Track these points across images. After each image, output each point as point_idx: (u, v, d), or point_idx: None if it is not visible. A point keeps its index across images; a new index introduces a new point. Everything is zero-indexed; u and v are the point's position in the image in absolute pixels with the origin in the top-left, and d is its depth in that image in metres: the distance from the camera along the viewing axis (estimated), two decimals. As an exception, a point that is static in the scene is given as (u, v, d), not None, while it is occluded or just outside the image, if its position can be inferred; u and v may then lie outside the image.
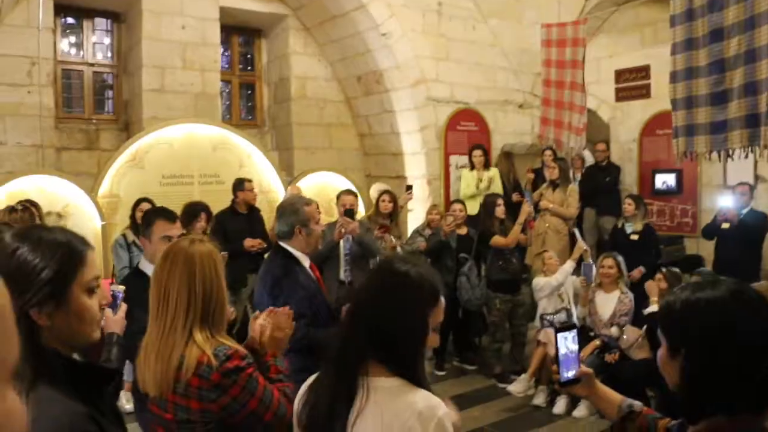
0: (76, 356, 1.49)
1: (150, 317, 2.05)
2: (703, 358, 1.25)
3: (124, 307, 2.47)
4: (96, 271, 1.47)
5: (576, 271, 5.83)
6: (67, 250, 1.40)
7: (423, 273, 1.62)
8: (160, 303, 2.01)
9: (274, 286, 3.19)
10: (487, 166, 7.67)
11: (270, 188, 7.44)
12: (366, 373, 1.56)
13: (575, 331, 1.77)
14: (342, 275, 5.47)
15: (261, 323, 2.28)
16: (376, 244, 5.59)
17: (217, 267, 2.06)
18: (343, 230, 5.02)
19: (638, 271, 6.20)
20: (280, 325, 2.29)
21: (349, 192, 5.73)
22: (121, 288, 2.55)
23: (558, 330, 1.74)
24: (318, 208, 3.53)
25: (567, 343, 1.73)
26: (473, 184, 7.56)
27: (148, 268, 2.85)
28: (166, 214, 3.07)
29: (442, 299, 1.64)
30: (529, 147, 8.86)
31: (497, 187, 7.56)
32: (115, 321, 2.39)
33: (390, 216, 6.16)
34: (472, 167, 7.70)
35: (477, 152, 7.68)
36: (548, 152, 7.80)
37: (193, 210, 5.54)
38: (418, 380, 1.56)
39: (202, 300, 2.00)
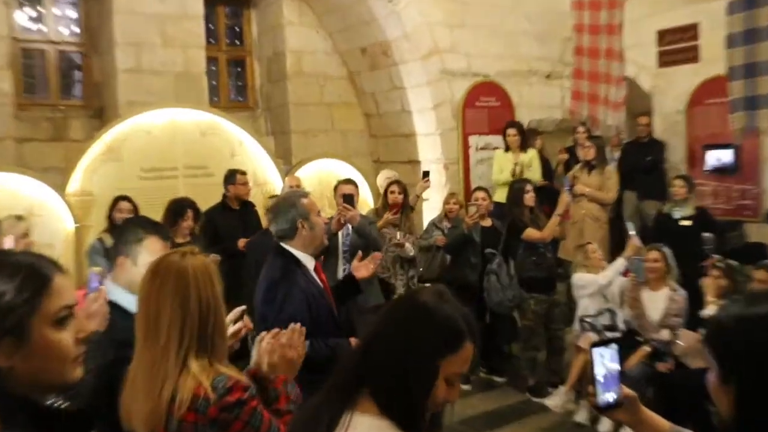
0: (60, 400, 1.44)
1: (137, 345, 2.00)
2: (761, 385, 1.22)
3: (103, 291, 2.32)
4: (67, 299, 1.41)
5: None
6: (28, 274, 1.35)
7: (450, 312, 1.55)
8: (149, 327, 1.97)
9: (269, 290, 3.20)
10: (524, 146, 7.51)
11: (265, 179, 7.44)
12: (353, 408, 1.53)
13: (615, 346, 1.70)
14: (340, 273, 5.41)
15: (267, 344, 2.24)
16: (378, 235, 5.50)
17: (214, 284, 2.04)
18: (342, 219, 4.95)
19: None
20: (293, 342, 2.27)
21: (348, 181, 5.68)
22: (97, 269, 2.44)
23: (593, 345, 1.69)
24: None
25: (605, 360, 1.67)
26: (508, 168, 7.41)
27: (124, 299, 2.42)
28: (160, 230, 2.75)
29: (469, 348, 1.56)
30: (558, 123, 8.79)
31: (536, 172, 7.45)
32: (92, 313, 2.21)
33: (401, 209, 6.09)
34: (507, 148, 7.57)
35: (512, 131, 7.52)
36: (581, 129, 7.70)
37: (179, 207, 5.55)
38: (406, 427, 1.51)
39: (198, 322, 1.97)
